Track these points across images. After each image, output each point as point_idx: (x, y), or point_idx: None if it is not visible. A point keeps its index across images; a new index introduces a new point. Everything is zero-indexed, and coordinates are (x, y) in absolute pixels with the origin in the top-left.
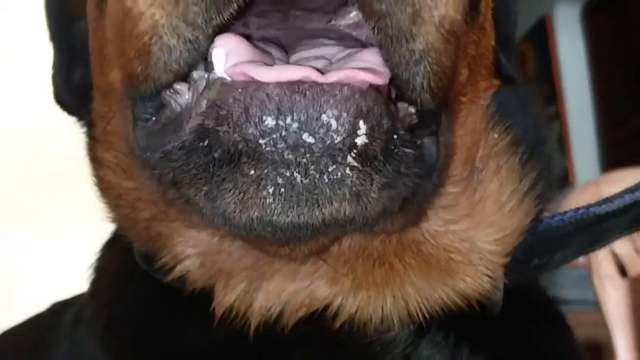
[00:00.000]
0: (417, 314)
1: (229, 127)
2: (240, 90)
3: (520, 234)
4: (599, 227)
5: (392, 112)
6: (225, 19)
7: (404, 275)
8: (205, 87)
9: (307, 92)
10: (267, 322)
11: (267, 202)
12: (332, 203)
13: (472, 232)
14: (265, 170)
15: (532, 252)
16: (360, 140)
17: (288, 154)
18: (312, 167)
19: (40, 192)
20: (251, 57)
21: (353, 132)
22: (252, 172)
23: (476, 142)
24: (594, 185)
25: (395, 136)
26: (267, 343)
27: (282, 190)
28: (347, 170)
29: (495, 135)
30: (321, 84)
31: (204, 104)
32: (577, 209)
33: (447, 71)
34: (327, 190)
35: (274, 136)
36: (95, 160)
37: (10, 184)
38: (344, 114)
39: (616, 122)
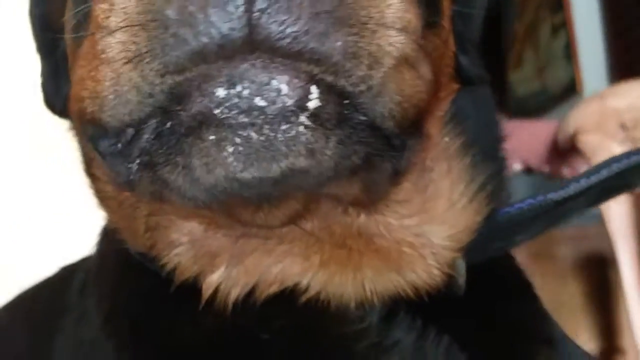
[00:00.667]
0: (374, 298)
1: (187, 104)
2: (194, 69)
3: (472, 231)
4: (557, 210)
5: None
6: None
7: (360, 261)
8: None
9: (257, 62)
10: (244, 300)
11: (229, 161)
12: (288, 157)
13: (426, 228)
14: (224, 134)
15: (494, 236)
16: (313, 103)
17: (242, 117)
18: (267, 126)
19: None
20: None
21: (305, 96)
22: (212, 137)
23: (428, 145)
24: (598, 98)
25: (347, 101)
26: (246, 328)
27: (241, 148)
28: (301, 128)
29: (447, 139)
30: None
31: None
32: (535, 196)
33: (413, 98)
34: (283, 147)
35: (227, 104)
36: (90, 174)
37: None
38: (295, 79)
39: (624, 29)
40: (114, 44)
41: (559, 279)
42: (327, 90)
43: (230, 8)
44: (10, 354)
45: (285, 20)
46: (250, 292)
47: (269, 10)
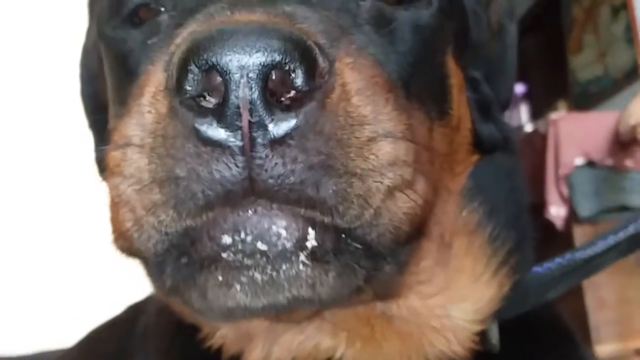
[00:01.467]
0: None
1: (199, 248)
2: (203, 216)
3: (496, 303)
4: (585, 267)
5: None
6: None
7: (383, 340)
8: None
9: (258, 209)
10: None
11: (238, 297)
12: (290, 291)
13: (450, 307)
14: (230, 274)
15: (524, 296)
16: (310, 243)
17: (247, 260)
18: (269, 267)
19: None
20: None
21: (303, 238)
22: (220, 277)
23: (445, 222)
24: None
25: (344, 236)
26: None
27: (247, 287)
28: (301, 267)
29: (465, 214)
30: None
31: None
32: (564, 256)
33: (407, 217)
34: (284, 283)
35: (232, 249)
36: None
37: None
38: (292, 224)
39: None
40: (130, 194)
41: (625, 275)
42: (323, 229)
43: (233, 166)
44: None
45: (281, 173)
46: None
47: (266, 167)
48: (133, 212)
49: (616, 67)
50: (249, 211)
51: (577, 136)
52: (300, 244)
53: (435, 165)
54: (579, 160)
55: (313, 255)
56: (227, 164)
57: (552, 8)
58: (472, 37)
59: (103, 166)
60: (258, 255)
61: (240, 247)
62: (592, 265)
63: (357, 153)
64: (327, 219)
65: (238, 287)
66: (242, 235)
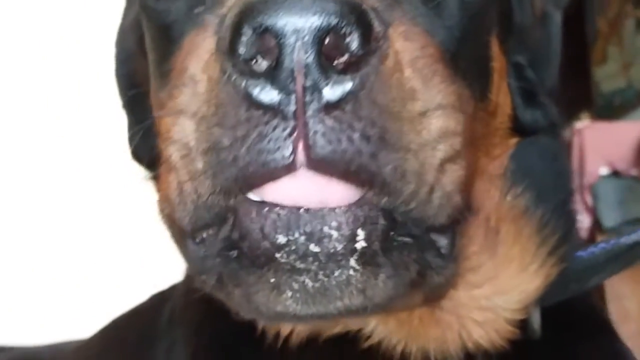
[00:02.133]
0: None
1: (251, 244)
2: (254, 212)
3: (539, 293)
4: (629, 253)
5: (389, 212)
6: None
7: (420, 326)
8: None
9: (310, 209)
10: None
11: (287, 303)
12: (342, 300)
13: (495, 298)
14: (283, 278)
15: (567, 281)
16: (360, 245)
17: (299, 263)
18: (321, 272)
19: None
20: None
21: (352, 239)
22: (272, 279)
23: (489, 206)
24: None
25: (392, 232)
26: None
27: (298, 294)
28: (351, 272)
29: (509, 199)
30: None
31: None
32: (609, 241)
33: (457, 187)
34: (336, 291)
35: (286, 249)
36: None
37: None
38: (343, 226)
39: None
40: (177, 161)
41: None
42: (372, 228)
43: (285, 132)
44: None
45: (337, 140)
46: (317, 333)
47: (321, 132)
48: (178, 179)
49: None
50: (301, 210)
51: (602, 145)
52: (350, 246)
53: (476, 145)
54: (604, 170)
55: (363, 257)
56: (279, 129)
57: (576, 19)
58: (516, 20)
59: (136, 146)
60: (310, 259)
61: (294, 248)
62: (636, 251)
63: (410, 127)
64: (382, 200)
65: (289, 293)
66: (296, 234)
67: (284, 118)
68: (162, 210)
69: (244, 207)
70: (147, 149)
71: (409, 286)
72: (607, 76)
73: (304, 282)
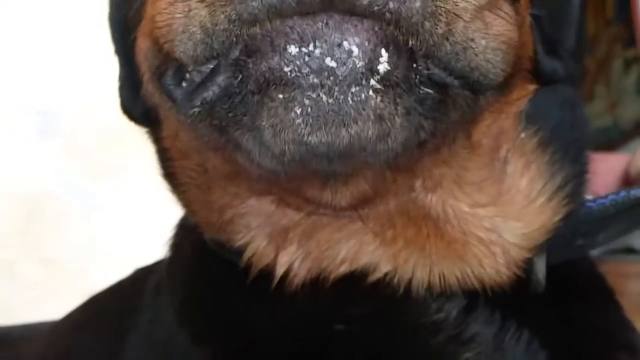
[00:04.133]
0: (444, 287)
1: (257, 59)
2: (267, 23)
3: (548, 231)
4: None
5: (414, 48)
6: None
7: (427, 244)
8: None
9: (329, 21)
10: (316, 284)
11: (297, 123)
12: (357, 122)
13: (499, 222)
14: (293, 93)
15: (576, 233)
16: (383, 67)
17: (313, 78)
18: (337, 88)
19: (125, 147)
20: None
21: (375, 59)
22: (280, 96)
23: (502, 138)
24: None
25: (417, 66)
26: (320, 318)
27: (309, 109)
28: (370, 92)
29: (523, 135)
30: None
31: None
32: (618, 192)
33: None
34: (352, 111)
35: (297, 63)
36: (166, 160)
37: (93, 140)
38: (366, 42)
39: None
40: None
41: (629, 316)
42: (398, 52)
43: None
44: (83, 354)
45: None
46: (321, 275)
47: None
48: (187, 5)
49: (625, 119)
50: (320, 22)
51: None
52: (371, 66)
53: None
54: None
55: (384, 81)
56: None
57: None
58: None
59: (126, 98)
60: (326, 73)
61: (306, 60)
62: None
63: None
64: (408, 39)
65: (299, 110)
66: (311, 47)
67: None
68: (153, 44)
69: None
70: (136, 101)
71: (428, 131)
72: (594, 114)
73: (317, 96)
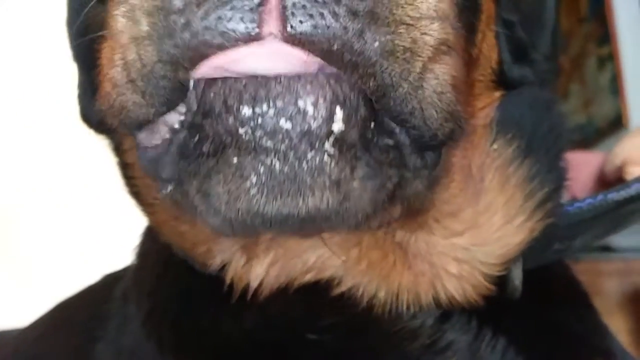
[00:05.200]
0: (409, 305)
1: (212, 120)
2: (219, 84)
3: (521, 248)
4: (618, 212)
5: (370, 101)
6: None
7: (393, 270)
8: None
9: (283, 79)
10: (284, 294)
11: (252, 192)
12: (313, 192)
13: (475, 250)
14: (248, 158)
15: (553, 238)
16: (337, 126)
17: (267, 141)
18: (291, 153)
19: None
20: None
21: (329, 118)
22: (235, 161)
23: (473, 155)
24: None
25: (373, 124)
26: (291, 327)
27: (264, 178)
28: (325, 157)
29: (495, 147)
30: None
31: (193, 105)
32: (595, 196)
33: (449, 83)
34: (307, 179)
35: (252, 124)
36: (129, 178)
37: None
38: (320, 100)
39: None
40: (124, 24)
41: (605, 315)
42: (355, 109)
43: (253, 3)
44: None
45: (320, 16)
46: (288, 281)
47: (301, 5)
48: (122, 51)
49: (600, 117)
50: (273, 81)
51: None
52: (326, 127)
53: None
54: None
55: (339, 143)
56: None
57: None
58: None
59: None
60: (280, 136)
61: (261, 122)
62: (625, 210)
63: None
64: (366, 83)
65: (254, 178)
66: (265, 107)
67: None
68: (108, 103)
69: (203, 80)
70: (95, 109)
71: (386, 194)
72: (568, 112)
73: (271, 163)
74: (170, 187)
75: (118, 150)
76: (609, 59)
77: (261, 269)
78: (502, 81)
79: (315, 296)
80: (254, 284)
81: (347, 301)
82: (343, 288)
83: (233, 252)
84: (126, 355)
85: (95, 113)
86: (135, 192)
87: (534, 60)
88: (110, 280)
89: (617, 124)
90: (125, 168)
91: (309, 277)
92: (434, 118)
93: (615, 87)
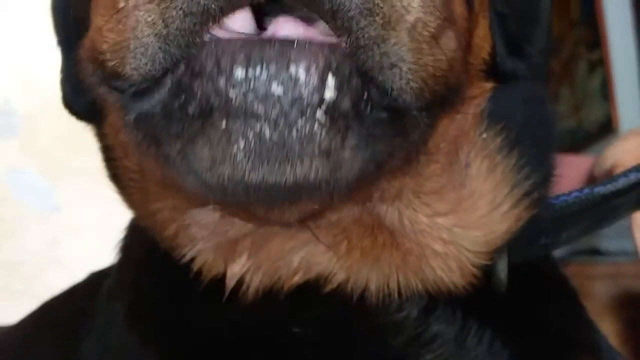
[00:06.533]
0: (401, 292)
1: (202, 80)
2: (213, 44)
3: (508, 236)
4: (605, 206)
5: (363, 72)
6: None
7: (382, 254)
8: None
9: (277, 44)
10: (270, 292)
11: (238, 158)
12: (302, 161)
13: (459, 232)
14: (237, 123)
15: (539, 232)
16: (329, 94)
17: (257, 106)
18: (282, 120)
19: (82, 150)
20: None
21: (322, 86)
22: (223, 125)
23: (462, 140)
24: (636, 134)
25: (366, 95)
26: (275, 322)
27: (252, 144)
28: (316, 126)
29: (485, 136)
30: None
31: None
32: (582, 189)
33: (431, 69)
34: (297, 146)
35: (243, 87)
36: (113, 168)
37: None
38: (313, 67)
39: None
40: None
41: (594, 317)
42: (344, 77)
43: None
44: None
45: None
46: (275, 284)
47: None
48: (133, 12)
49: (590, 121)
50: (267, 44)
51: None
52: (319, 94)
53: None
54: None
55: (331, 111)
56: None
57: None
58: None
59: (68, 91)
60: (271, 102)
61: (253, 85)
62: (611, 205)
63: None
64: (344, 37)
65: (242, 143)
66: (258, 70)
67: None
68: (101, 62)
69: (204, 44)
70: (79, 95)
71: (375, 164)
72: (558, 116)
73: (260, 130)
74: (153, 148)
75: (101, 135)
76: (600, 63)
77: (237, 268)
78: (495, 73)
79: (302, 293)
80: (230, 284)
81: (336, 298)
82: (334, 284)
83: (203, 243)
84: (111, 353)
85: (79, 98)
86: (114, 174)
87: (527, 55)
88: (97, 278)
89: (607, 128)
90: (106, 151)
91: (297, 278)
92: (408, 97)
93: (606, 91)
